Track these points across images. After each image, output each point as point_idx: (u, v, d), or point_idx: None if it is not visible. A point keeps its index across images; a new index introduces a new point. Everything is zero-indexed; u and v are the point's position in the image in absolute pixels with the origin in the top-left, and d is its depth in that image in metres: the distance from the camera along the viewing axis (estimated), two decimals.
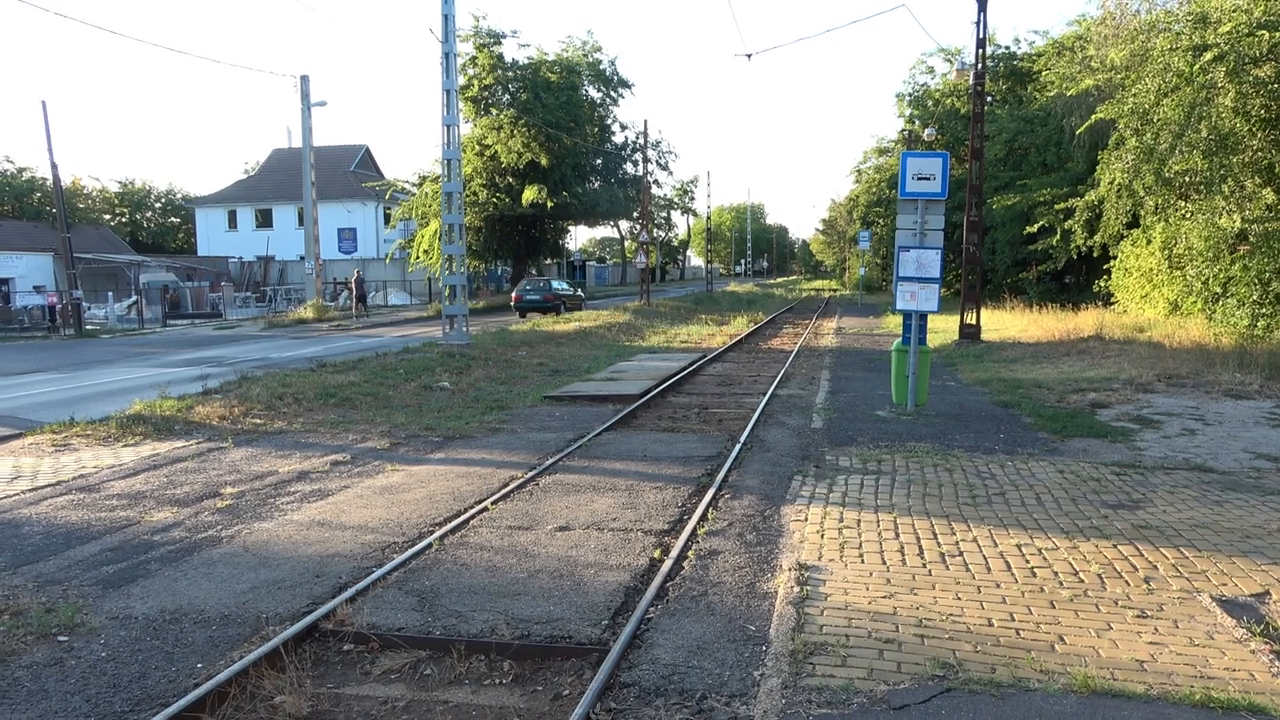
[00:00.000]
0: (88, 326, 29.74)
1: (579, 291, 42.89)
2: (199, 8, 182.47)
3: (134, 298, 36.50)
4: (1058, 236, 26.53)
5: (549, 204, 40.24)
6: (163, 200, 74.46)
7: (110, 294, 36.62)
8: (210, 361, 19.68)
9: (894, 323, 28.27)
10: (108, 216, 68.47)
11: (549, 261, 58.77)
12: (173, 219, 73.54)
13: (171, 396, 12.28)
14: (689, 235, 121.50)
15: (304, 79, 33.66)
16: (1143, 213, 22.17)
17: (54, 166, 28.52)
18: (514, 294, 37.69)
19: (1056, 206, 26.51)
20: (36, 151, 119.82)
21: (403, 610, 5.10)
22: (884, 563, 5.68)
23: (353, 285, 36.07)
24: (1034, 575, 5.45)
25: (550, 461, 8.93)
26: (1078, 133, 26.95)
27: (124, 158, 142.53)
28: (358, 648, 4.73)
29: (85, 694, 4.22)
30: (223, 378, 14.89)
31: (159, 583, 5.65)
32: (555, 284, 39.02)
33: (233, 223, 59.91)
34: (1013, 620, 4.75)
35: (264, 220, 58.99)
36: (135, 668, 4.48)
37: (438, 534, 6.48)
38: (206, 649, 4.69)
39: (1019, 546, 6.00)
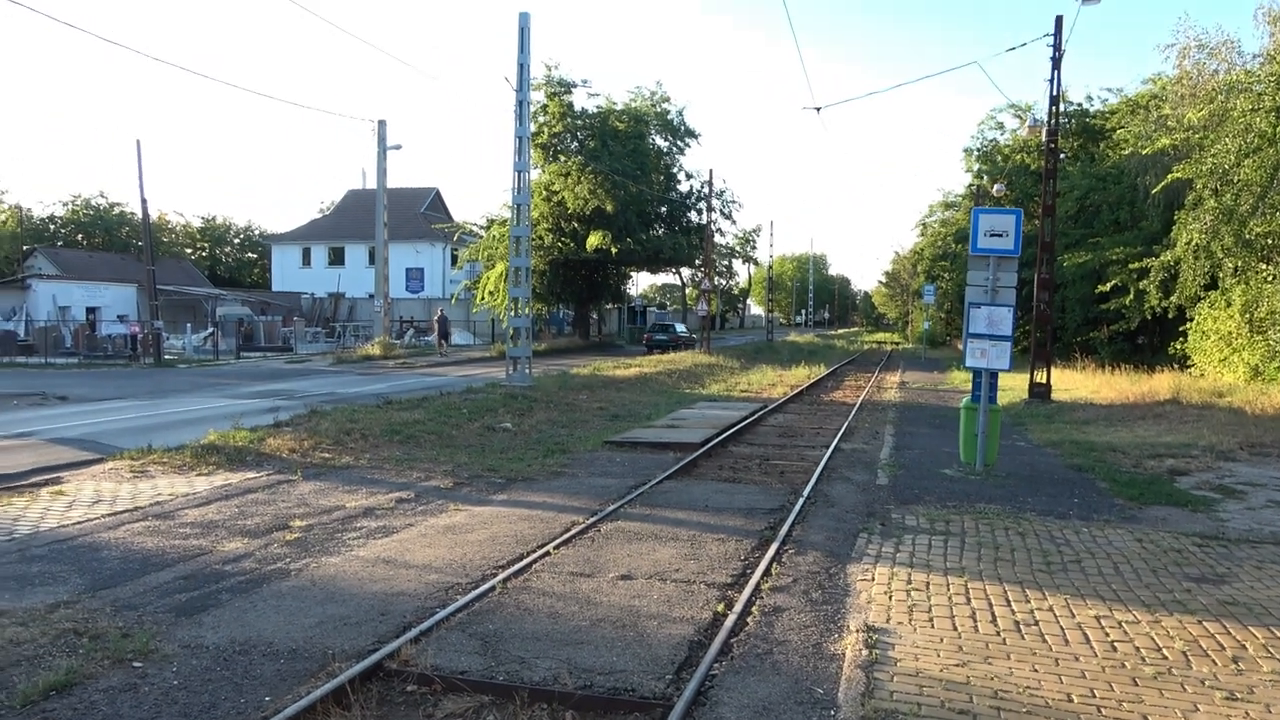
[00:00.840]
0: (166, 356, 30.80)
1: (693, 335, 50.15)
2: (281, 52, 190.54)
3: (210, 329, 37.76)
4: (1131, 296, 25.93)
5: (613, 250, 40.73)
6: (241, 236, 77.29)
7: (189, 325, 37.94)
8: (281, 394, 20.18)
9: (960, 378, 27.77)
10: (189, 250, 71.20)
11: (610, 306, 59.24)
12: (250, 254, 76.17)
13: (244, 428, 12.60)
14: (749, 284, 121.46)
15: (381, 123, 34.78)
16: (1221, 274, 21.58)
17: (144, 203, 29.83)
18: (645, 334, 47.72)
19: (1130, 266, 25.97)
20: (125, 186, 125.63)
21: (466, 653, 5.11)
22: (955, 628, 5.52)
23: (436, 324, 38.41)
24: (1114, 649, 5.25)
25: (612, 508, 8.92)
26: (1153, 192, 26.46)
27: (207, 194, 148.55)
28: (421, 689, 4.73)
29: None
30: (293, 411, 15.25)
31: (229, 613, 5.76)
32: (678, 327, 48.52)
33: (306, 260, 61.75)
34: (1093, 696, 4.57)
35: (336, 258, 60.69)
36: (205, 698, 4.55)
37: (500, 577, 6.50)
38: (274, 682, 4.74)
39: (1098, 618, 5.79)
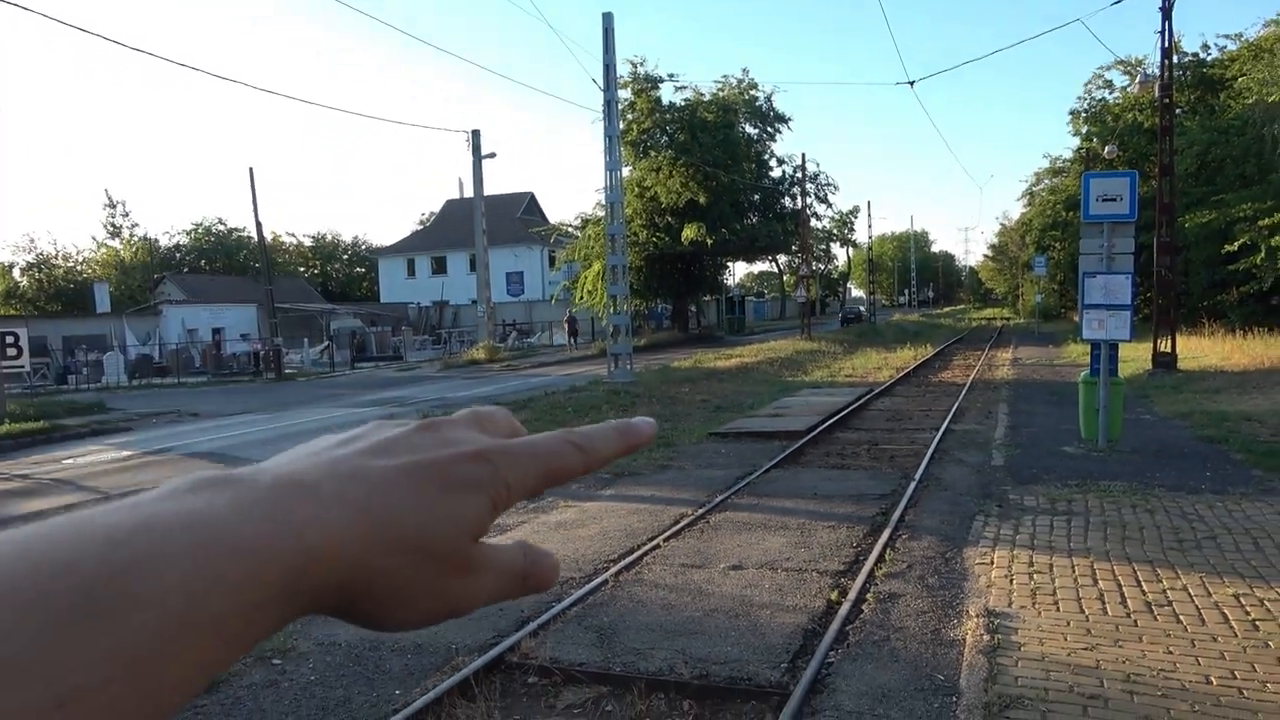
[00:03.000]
0: (286, 370, 32.30)
1: (867, 312, 63.18)
2: (378, 71, 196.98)
3: (326, 343, 39.40)
4: (1262, 254, 24.43)
5: (708, 241, 40.61)
6: (349, 252, 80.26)
7: (305, 340, 39.69)
8: (394, 402, 20.93)
9: (1077, 351, 26.63)
10: (302, 268, 74.42)
11: (708, 298, 59.11)
12: (358, 269, 79.08)
13: None
14: (849, 266, 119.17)
15: (475, 134, 35.54)
16: None
17: (259, 226, 31.35)
18: (841, 315, 60.70)
19: (1260, 223, 24.45)
20: (242, 211, 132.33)
21: (583, 645, 5.22)
22: (1082, 611, 5.33)
23: (566, 324, 41.66)
24: (1256, 629, 4.97)
25: (719, 499, 8.93)
26: None
27: (317, 213, 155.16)
28: (542, 680, 4.87)
29: (297, 715, 4.55)
30: (405, 417, 15.77)
31: None
32: (860, 308, 64.30)
33: (411, 270, 63.77)
34: (1234, 678, 4.35)
35: (439, 267, 62.45)
36: (340, 692, 4.79)
37: (612, 570, 6.59)
38: (403, 676, 4.95)
39: (1237, 596, 5.49)
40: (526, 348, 43.70)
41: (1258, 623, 5.05)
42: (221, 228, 70.49)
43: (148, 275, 58.46)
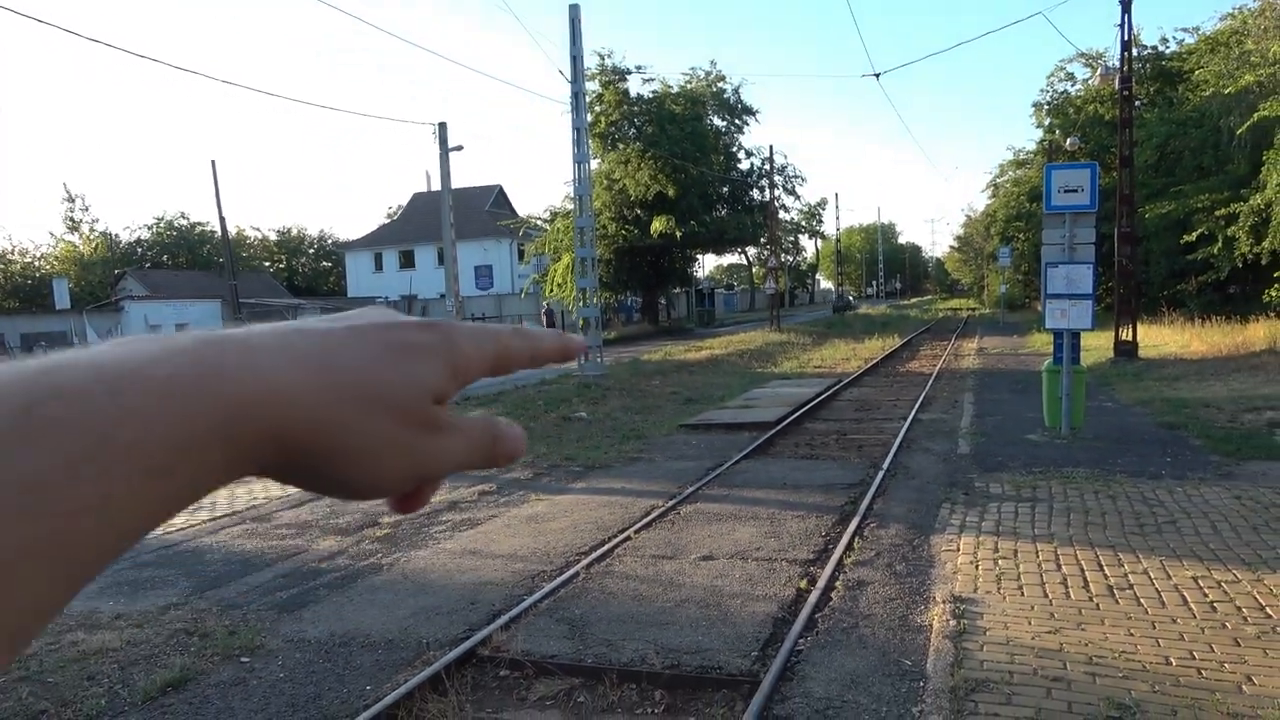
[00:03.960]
0: None
1: (855, 300, 68.57)
2: (345, 65, 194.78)
3: None
4: (1219, 244, 24.90)
5: (677, 234, 40.62)
6: (315, 246, 79.28)
7: None
8: None
9: (1041, 341, 27.02)
10: (267, 263, 73.41)
11: (677, 290, 59.14)
12: (325, 263, 78.14)
13: None
14: (818, 258, 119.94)
15: (442, 126, 35.20)
16: None
17: (222, 220, 30.98)
18: (833, 305, 65.11)
19: (1217, 213, 24.91)
20: (205, 205, 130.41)
21: (555, 638, 5.22)
22: (1046, 595, 5.42)
23: (544, 316, 44.49)
24: (1214, 610, 5.09)
25: (690, 490, 8.97)
26: (1238, 133, 25.28)
27: (281, 207, 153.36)
28: (513, 673, 4.87)
29: (266, 713, 4.51)
30: None
31: (328, 608, 5.99)
32: (849, 297, 69.26)
33: (378, 265, 63.11)
34: (1193, 658, 4.45)
35: (407, 261, 61.88)
36: (310, 689, 4.76)
37: (584, 562, 6.61)
38: (374, 672, 4.93)
39: (1195, 579, 5.61)
40: None
41: (1215, 604, 5.17)
42: (184, 222, 69.23)
43: (108, 271, 57.35)
